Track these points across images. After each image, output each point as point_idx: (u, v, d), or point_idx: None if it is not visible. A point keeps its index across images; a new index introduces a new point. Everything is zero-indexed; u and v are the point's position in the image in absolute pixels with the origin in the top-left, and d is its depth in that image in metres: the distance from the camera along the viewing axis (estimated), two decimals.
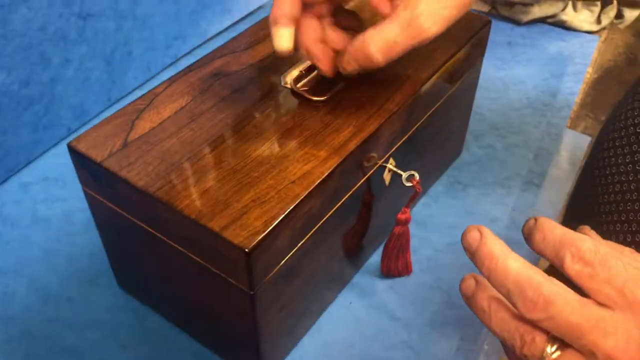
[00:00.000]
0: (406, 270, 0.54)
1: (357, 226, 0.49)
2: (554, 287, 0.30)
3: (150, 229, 0.41)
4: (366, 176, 0.46)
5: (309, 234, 0.42)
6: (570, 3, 0.84)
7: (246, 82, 0.47)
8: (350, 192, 0.45)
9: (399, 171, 0.49)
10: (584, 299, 0.30)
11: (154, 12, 0.70)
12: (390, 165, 0.49)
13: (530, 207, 0.60)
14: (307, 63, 0.48)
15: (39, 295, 0.52)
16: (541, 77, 0.76)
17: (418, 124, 0.50)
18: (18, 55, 0.57)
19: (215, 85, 0.47)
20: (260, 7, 0.86)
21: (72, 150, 0.42)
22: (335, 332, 0.50)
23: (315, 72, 0.47)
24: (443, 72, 0.50)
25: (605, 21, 0.84)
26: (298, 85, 0.46)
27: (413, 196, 0.49)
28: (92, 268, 0.54)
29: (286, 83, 0.47)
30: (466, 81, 0.57)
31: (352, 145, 0.42)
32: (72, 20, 0.61)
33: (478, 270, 0.33)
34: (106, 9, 0.64)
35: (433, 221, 0.59)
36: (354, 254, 0.52)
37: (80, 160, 0.42)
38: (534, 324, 0.31)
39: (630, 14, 0.86)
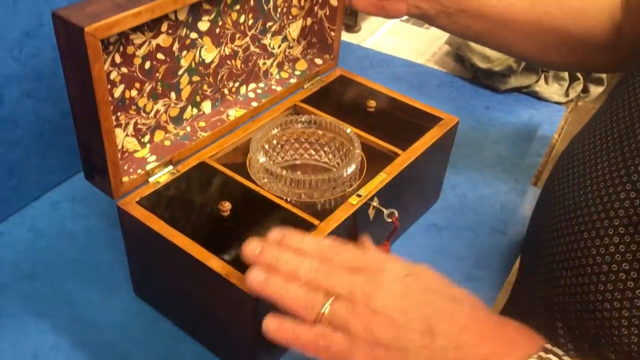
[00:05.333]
0: None
1: None
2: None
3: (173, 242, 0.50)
4: (353, 210, 0.55)
5: None
6: (542, 76, 0.95)
7: None
8: (340, 221, 0.54)
9: (382, 208, 0.58)
10: None
11: None
12: (375, 203, 0.58)
13: (494, 250, 0.69)
14: None
15: (64, 298, 0.60)
16: (512, 139, 0.86)
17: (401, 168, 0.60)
18: (64, 90, 0.66)
19: None
20: None
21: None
22: None
23: None
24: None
25: (572, 94, 0.95)
26: None
27: (392, 230, 0.58)
28: (111, 278, 0.63)
29: None
30: (442, 142, 0.67)
31: None
32: None
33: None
34: None
35: (409, 257, 0.67)
36: None
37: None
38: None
39: (595, 90, 0.98)
